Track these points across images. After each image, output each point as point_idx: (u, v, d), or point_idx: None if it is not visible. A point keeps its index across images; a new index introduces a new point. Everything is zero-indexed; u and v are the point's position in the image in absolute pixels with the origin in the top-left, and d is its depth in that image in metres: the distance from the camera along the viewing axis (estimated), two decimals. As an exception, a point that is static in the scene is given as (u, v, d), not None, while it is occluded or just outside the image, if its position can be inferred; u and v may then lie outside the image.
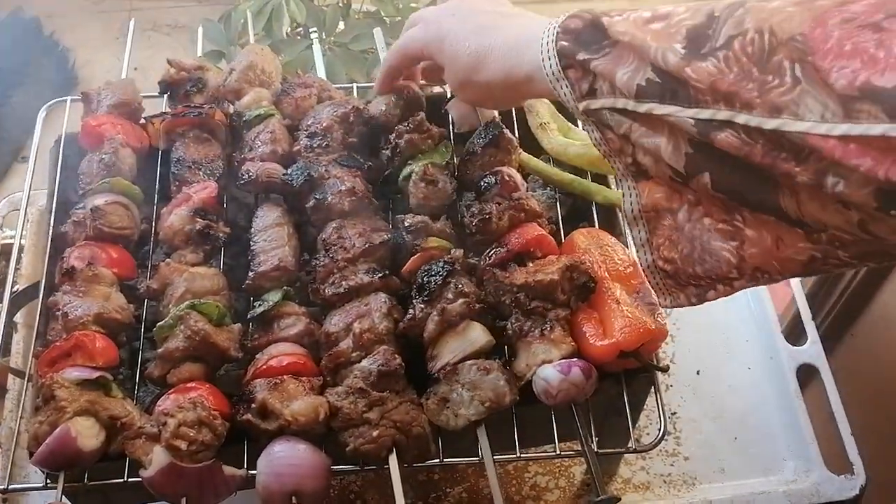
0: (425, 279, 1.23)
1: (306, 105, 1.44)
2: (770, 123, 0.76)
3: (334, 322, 1.22)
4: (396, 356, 1.17)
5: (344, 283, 1.24)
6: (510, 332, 1.21)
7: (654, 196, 0.94)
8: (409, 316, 1.22)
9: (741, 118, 0.78)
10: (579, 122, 1.17)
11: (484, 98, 1.22)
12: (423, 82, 1.45)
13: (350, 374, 1.18)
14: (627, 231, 1.35)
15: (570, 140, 1.46)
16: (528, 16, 1.10)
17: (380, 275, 1.25)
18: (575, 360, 1.16)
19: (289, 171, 1.34)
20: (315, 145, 1.37)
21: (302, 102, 1.44)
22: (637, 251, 1.01)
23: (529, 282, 1.21)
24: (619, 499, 1.16)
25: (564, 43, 0.95)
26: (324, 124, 1.38)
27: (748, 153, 0.79)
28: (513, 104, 1.42)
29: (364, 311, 1.22)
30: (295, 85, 1.47)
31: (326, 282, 1.26)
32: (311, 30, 1.74)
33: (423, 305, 1.21)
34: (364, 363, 1.17)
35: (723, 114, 0.79)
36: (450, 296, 1.20)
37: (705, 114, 0.81)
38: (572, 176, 1.43)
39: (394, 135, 1.38)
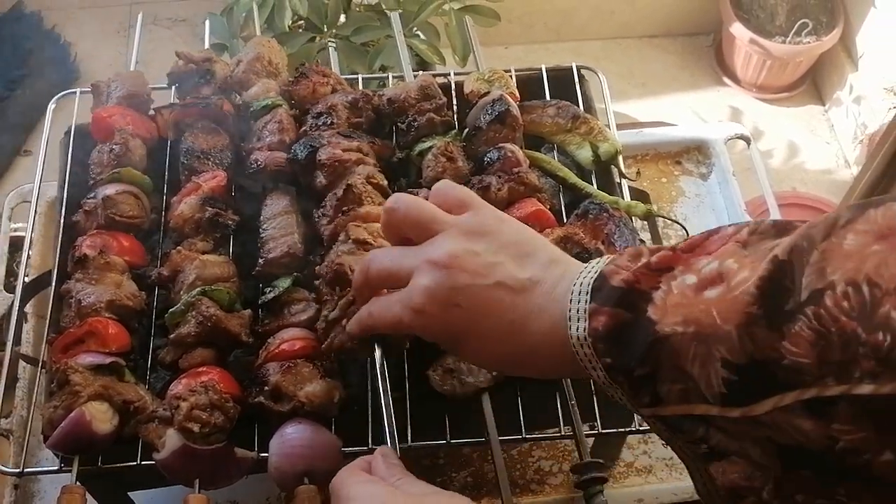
0: None
1: (321, 92, 1.47)
2: None
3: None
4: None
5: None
6: None
7: (730, 476, 0.73)
8: None
9: (865, 388, 0.60)
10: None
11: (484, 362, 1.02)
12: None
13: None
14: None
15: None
16: (546, 292, 0.84)
17: None
18: None
19: (293, 147, 1.37)
20: (320, 123, 1.40)
21: (319, 88, 1.47)
22: None
23: None
24: (603, 463, 1.19)
25: (607, 359, 0.76)
26: (330, 104, 1.41)
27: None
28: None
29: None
30: (312, 71, 1.49)
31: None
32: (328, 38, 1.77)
33: None
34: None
35: (834, 389, 0.61)
36: None
37: (808, 394, 0.62)
38: (574, 176, 1.45)
39: (413, 111, 1.41)
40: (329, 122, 1.40)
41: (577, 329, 0.78)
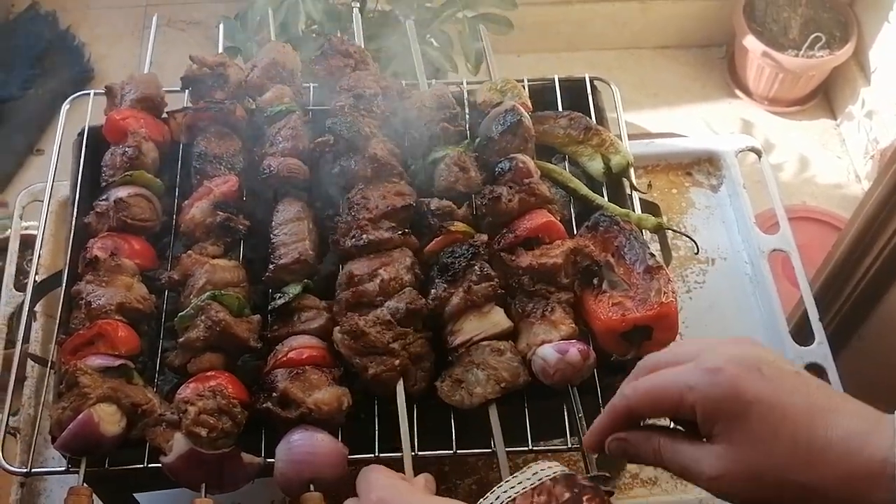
0: (449, 260, 1.26)
1: (340, 73, 1.51)
2: None
3: (358, 266, 1.27)
4: (422, 298, 1.23)
5: (365, 236, 1.28)
6: (514, 312, 1.25)
7: None
8: (432, 295, 1.25)
9: None
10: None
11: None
12: None
13: (377, 310, 1.23)
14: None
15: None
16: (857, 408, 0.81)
17: (400, 232, 1.30)
18: (573, 341, 1.20)
19: (334, 121, 1.40)
20: (361, 107, 1.43)
21: (336, 71, 1.51)
22: None
23: (534, 264, 1.25)
24: (610, 477, 1.19)
25: None
26: (370, 91, 1.46)
27: None
28: None
29: (389, 261, 1.26)
30: (335, 51, 1.53)
31: (347, 236, 1.30)
32: (353, 2, 1.79)
33: (445, 285, 1.25)
34: (391, 303, 1.22)
35: None
36: (474, 277, 1.24)
37: None
38: (585, 187, 1.45)
39: (427, 120, 1.42)
40: (369, 108, 1.43)
41: None
